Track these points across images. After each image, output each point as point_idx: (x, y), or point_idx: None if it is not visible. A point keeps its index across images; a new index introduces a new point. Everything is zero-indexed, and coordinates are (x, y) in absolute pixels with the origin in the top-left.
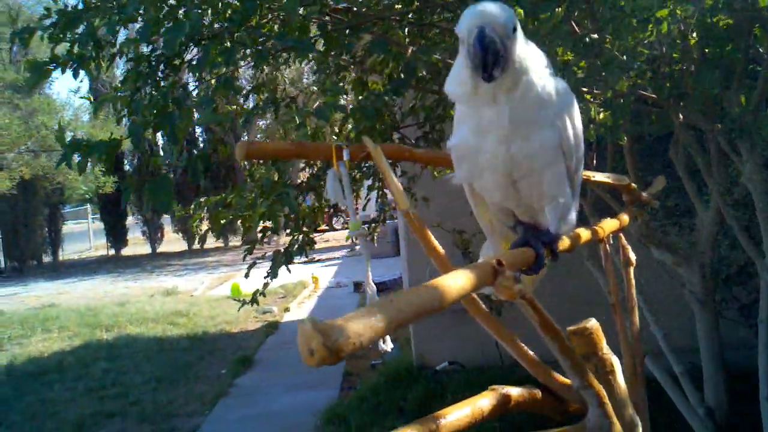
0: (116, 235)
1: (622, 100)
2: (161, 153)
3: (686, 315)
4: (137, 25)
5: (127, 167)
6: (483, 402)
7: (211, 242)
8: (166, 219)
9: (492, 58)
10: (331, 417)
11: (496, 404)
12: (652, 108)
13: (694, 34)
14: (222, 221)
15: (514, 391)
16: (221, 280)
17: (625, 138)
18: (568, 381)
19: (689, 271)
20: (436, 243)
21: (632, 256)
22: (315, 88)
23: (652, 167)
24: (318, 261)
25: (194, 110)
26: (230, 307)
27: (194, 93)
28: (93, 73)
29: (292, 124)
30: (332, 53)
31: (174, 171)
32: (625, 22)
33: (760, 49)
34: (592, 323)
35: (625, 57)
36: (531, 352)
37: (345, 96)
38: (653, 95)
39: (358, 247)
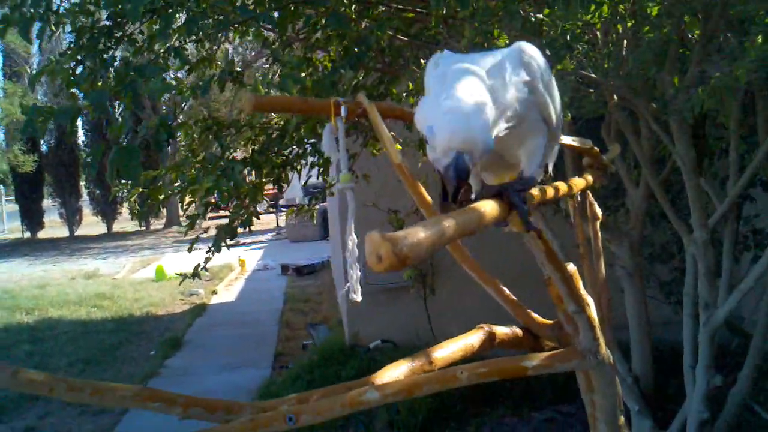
0: (32, 217)
1: (563, 79)
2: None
3: (614, 294)
4: None
5: (44, 147)
6: (473, 338)
7: (132, 225)
8: (85, 201)
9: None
10: (264, 394)
11: (485, 340)
12: (589, 89)
13: (628, 19)
14: (161, 197)
15: (500, 330)
16: (144, 263)
17: (569, 114)
18: (545, 321)
19: (619, 247)
20: (426, 195)
21: (598, 211)
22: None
23: None
24: (243, 244)
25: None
26: (154, 290)
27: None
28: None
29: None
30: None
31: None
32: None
33: (690, 35)
34: (571, 267)
35: (568, 38)
36: (513, 296)
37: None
38: (594, 75)
39: (283, 231)
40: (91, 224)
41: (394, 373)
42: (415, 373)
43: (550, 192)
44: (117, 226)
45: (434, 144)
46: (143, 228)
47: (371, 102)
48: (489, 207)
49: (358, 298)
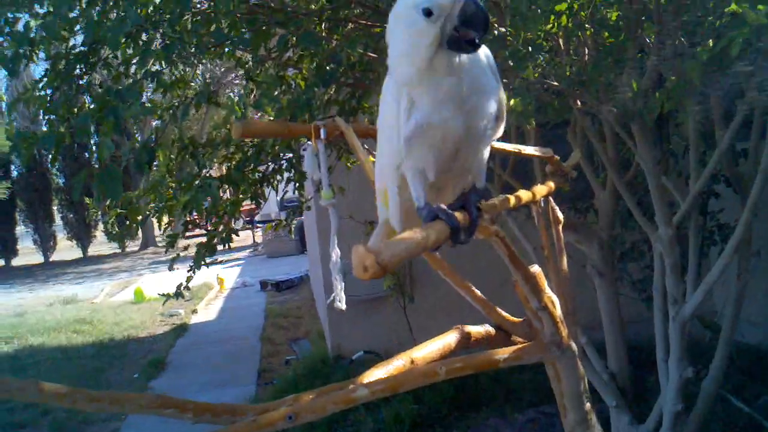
0: (5, 244)
1: (527, 87)
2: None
3: (586, 293)
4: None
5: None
6: (450, 338)
7: (107, 248)
8: (58, 226)
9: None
10: None
11: (461, 339)
12: (553, 96)
13: (588, 26)
14: (139, 217)
15: (475, 329)
16: (122, 285)
17: (534, 122)
18: (514, 319)
19: (590, 248)
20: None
21: (560, 215)
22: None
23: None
24: (221, 262)
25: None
26: (134, 312)
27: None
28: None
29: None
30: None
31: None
32: (533, 15)
33: (647, 39)
34: (536, 268)
35: (530, 48)
36: (484, 297)
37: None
38: (555, 83)
39: (260, 247)
40: (66, 249)
41: (380, 372)
42: (399, 372)
43: (512, 201)
44: (92, 250)
45: (439, 10)
46: (119, 251)
47: (348, 124)
48: (455, 219)
49: (343, 306)
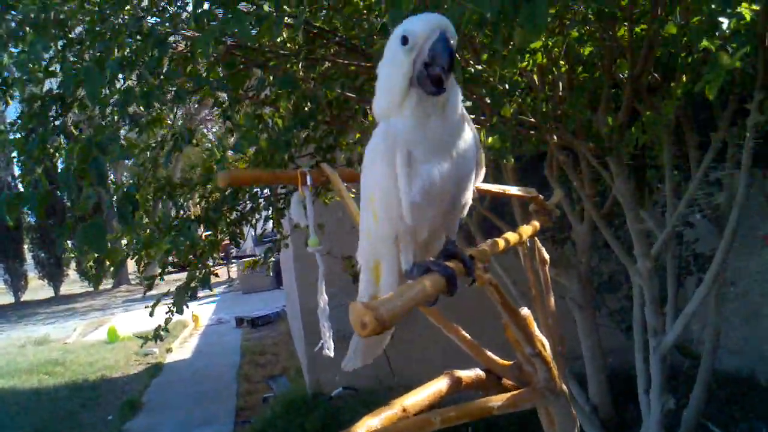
0: None
1: (504, 124)
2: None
3: (567, 324)
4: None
5: None
6: (440, 384)
7: (80, 287)
8: (29, 265)
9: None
10: None
11: (451, 385)
12: (530, 131)
13: (562, 63)
14: (117, 259)
15: (465, 374)
16: (95, 325)
17: (512, 158)
18: (504, 362)
19: (569, 280)
20: None
21: (546, 255)
22: (218, 126)
23: (530, 185)
24: (196, 299)
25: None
26: (108, 352)
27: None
28: None
29: (211, 160)
30: (240, 90)
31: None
32: (509, 53)
33: (621, 75)
34: (525, 311)
35: (507, 86)
36: (475, 341)
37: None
38: (532, 119)
39: (236, 283)
40: (37, 288)
41: (373, 422)
42: (392, 422)
43: (501, 244)
44: (64, 289)
45: (416, 43)
46: (92, 289)
47: (334, 170)
48: (453, 267)
49: (332, 353)
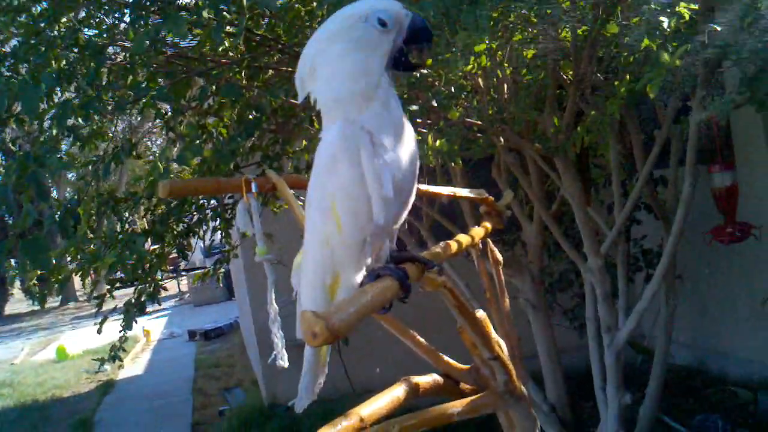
0: None
1: (451, 128)
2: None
3: (521, 325)
4: None
5: None
6: (397, 391)
7: (25, 306)
8: None
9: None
10: None
11: (409, 391)
12: (477, 133)
13: (506, 65)
14: (61, 276)
15: (422, 380)
16: (42, 344)
17: (460, 161)
18: (462, 366)
19: (521, 281)
20: None
21: (499, 256)
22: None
23: (479, 186)
24: (146, 313)
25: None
26: (58, 371)
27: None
28: None
29: (154, 172)
30: (180, 100)
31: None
32: (452, 56)
33: (565, 76)
34: (481, 313)
35: (453, 89)
36: (431, 347)
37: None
38: (478, 122)
39: (186, 296)
40: None
41: None
42: None
43: (454, 246)
44: (9, 308)
45: (392, 19)
46: (38, 308)
47: (280, 176)
48: (409, 270)
49: (285, 364)
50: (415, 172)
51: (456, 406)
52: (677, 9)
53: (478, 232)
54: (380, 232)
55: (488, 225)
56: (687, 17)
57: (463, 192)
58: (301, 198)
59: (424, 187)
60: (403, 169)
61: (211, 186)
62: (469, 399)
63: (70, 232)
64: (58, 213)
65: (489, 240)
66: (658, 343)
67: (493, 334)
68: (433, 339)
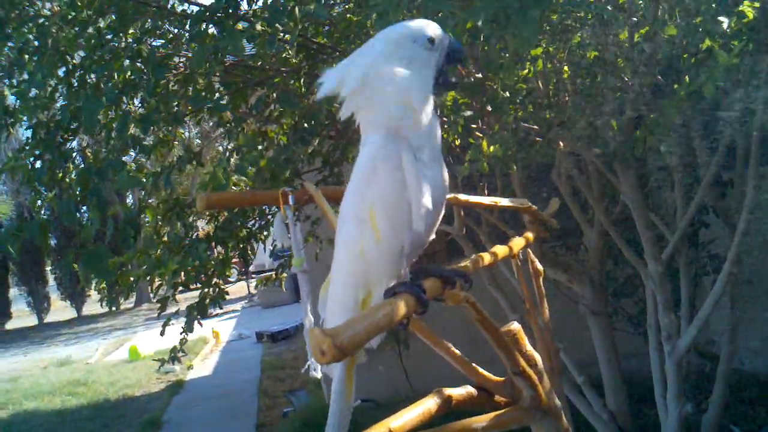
0: None
1: (506, 133)
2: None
3: (582, 330)
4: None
5: None
6: (429, 403)
7: (102, 306)
8: (52, 287)
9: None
10: None
11: (441, 403)
12: (535, 138)
13: (566, 68)
14: (130, 280)
15: (455, 392)
16: (116, 344)
17: (514, 167)
18: (497, 378)
19: (582, 286)
20: None
21: (539, 267)
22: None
23: (539, 192)
24: (216, 315)
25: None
26: (130, 371)
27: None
28: None
29: (214, 181)
30: (240, 108)
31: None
32: (507, 62)
33: (626, 78)
34: (515, 326)
35: (508, 93)
36: (466, 358)
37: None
38: (535, 126)
39: (255, 298)
40: (60, 309)
41: None
42: None
43: (487, 258)
44: (87, 309)
45: (438, 39)
46: (113, 309)
47: (317, 188)
48: (430, 285)
49: (319, 374)
50: (446, 194)
51: (481, 420)
52: (739, 8)
53: (518, 242)
54: (417, 242)
55: (530, 235)
56: (751, 16)
57: (505, 201)
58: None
59: (464, 197)
60: (438, 186)
61: (247, 199)
62: (494, 413)
63: (130, 242)
64: (118, 224)
65: (530, 250)
66: (723, 350)
67: (527, 347)
68: (477, 348)
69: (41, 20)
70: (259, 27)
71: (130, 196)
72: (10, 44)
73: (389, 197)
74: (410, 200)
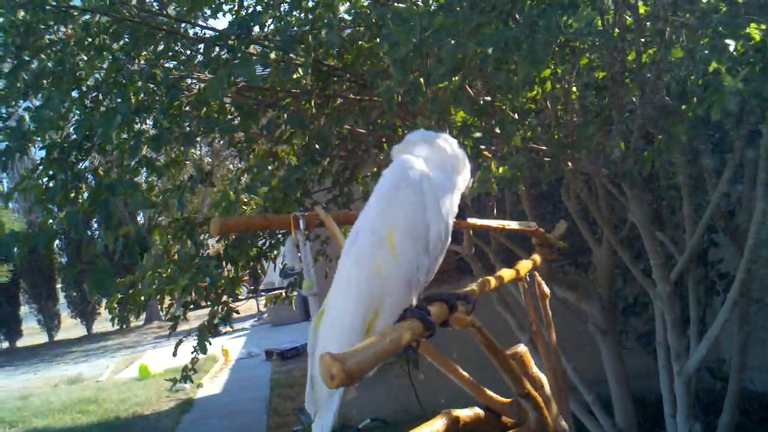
0: (9, 326)
1: (516, 153)
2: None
3: (591, 349)
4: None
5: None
6: (437, 424)
7: (110, 325)
8: (62, 305)
9: None
10: None
11: (449, 425)
12: (543, 158)
13: (574, 89)
14: (140, 299)
15: (462, 413)
16: (126, 362)
17: (523, 187)
18: (504, 399)
19: (590, 305)
20: None
21: (546, 290)
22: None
23: (548, 211)
24: (226, 333)
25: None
26: (140, 389)
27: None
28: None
29: (225, 201)
30: (251, 129)
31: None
32: (514, 84)
33: (633, 98)
34: (522, 348)
35: (516, 115)
36: (472, 379)
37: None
38: (544, 147)
39: (265, 316)
40: (71, 327)
41: None
42: None
43: (493, 282)
44: (97, 327)
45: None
46: (123, 327)
47: (328, 213)
48: (434, 309)
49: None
50: (451, 226)
51: None
52: (746, 31)
53: (524, 265)
54: (430, 265)
55: (537, 258)
56: (758, 38)
57: (512, 224)
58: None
59: (472, 220)
60: (452, 212)
61: (260, 223)
62: None
63: (137, 259)
64: (126, 241)
65: (537, 273)
66: (732, 370)
67: (533, 369)
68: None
69: (58, 46)
70: (273, 55)
71: (141, 214)
72: (27, 69)
73: (409, 219)
74: (429, 222)
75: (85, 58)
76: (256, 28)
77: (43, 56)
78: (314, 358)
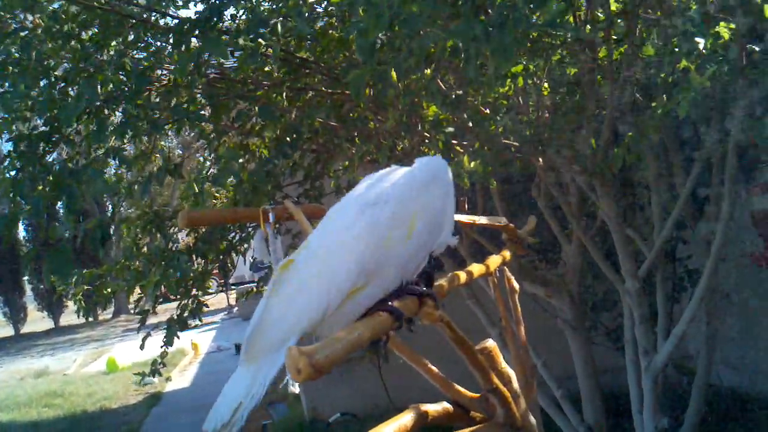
0: None
1: (487, 149)
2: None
3: (560, 344)
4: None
5: None
6: (405, 419)
7: (78, 318)
8: (29, 297)
9: None
10: None
11: (417, 419)
12: (515, 154)
13: (546, 85)
14: (108, 291)
15: (431, 407)
16: (94, 356)
17: (494, 183)
18: (472, 395)
19: (560, 300)
20: None
21: (516, 285)
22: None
23: (518, 207)
24: (195, 327)
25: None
26: (107, 382)
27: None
28: None
29: (190, 192)
30: (222, 121)
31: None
32: (486, 80)
33: (604, 95)
34: (490, 343)
35: (488, 110)
36: (441, 374)
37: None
38: (515, 143)
39: (235, 309)
40: (37, 320)
41: None
42: None
43: (462, 277)
44: (64, 320)
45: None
46: (90, 320)
47: (298, 206)
48: (404, 305)
49: (297, 390)
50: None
51: None
52: (715, 30)
53: (494, 260)
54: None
55: (507, 253)
56: (726, 37)
57: (483, 220)
58: None
59: None
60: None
61: (228, 216)
62: (469, 429)
63: (98, 246)
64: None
65: (506, 268)
66: (699, 366)
67: (502, 364)
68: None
69: (24, 33)
70: (241, 41)
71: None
72: None
73: (434, 210)
74: (443, 224)
75: (51, 47)
76: (228, 13)
77: (8, 41)
78: (270, 301)
